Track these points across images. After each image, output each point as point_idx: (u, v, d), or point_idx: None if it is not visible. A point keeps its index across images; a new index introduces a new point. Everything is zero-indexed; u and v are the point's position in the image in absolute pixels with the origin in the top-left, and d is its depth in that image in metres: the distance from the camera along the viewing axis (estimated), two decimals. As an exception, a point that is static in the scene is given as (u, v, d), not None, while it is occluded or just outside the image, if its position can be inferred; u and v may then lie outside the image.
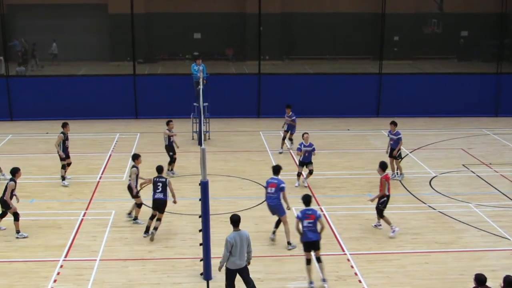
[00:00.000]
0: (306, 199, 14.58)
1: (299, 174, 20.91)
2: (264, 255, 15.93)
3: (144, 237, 16.93)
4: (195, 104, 25.82)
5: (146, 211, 17.78)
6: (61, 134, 20.94)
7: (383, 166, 17.17)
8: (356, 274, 15.03)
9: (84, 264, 15.43)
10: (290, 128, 25.15)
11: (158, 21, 38.36)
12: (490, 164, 23.81)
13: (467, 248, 16.54)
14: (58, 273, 14.93)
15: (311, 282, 14.23)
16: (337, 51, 39.23)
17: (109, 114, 30.49)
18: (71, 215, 18.50)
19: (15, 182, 17.12)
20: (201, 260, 14.66)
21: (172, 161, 21.82)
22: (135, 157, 17.81)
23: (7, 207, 16.94)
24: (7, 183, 17.02)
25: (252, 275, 14.26)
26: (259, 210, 18.91)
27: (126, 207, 18.82)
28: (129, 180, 17.60)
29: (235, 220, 13.26)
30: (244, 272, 13.33)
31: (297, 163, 21.35)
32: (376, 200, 17.21)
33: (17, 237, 16.85)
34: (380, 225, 17.56)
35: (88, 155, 24.68)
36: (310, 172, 20.71)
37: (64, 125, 21.20)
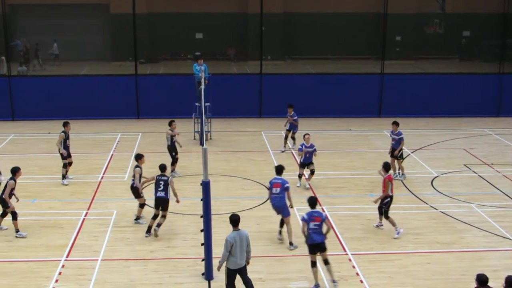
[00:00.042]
0: (312, 201, 14.48)
1: (300, 176, 20.89)
2: (265, 255, 15.93)
3: (146, 236, 16.94)
4: (197, 104, 25.80)
5: (149, 211, 17.79)
6: (62, 133, 21.02)
7: (386, 166, 17.16)
8: (357, 274, 15.02)
9: (86, 264, 15.43)
10: (292, 128, 25.20)
11: (160, 21, 38.42)
12: (492, 164, 23.79)
13: (469, 248, 16.53)
14: (60, 273, 14.94)
15: (317, 285, 14.21)
16: (339, 51, 39.25)
17: (111, 114, 30.49)
18: (73, 215, 18.51)
19: (15, 181, 17.14)
20: (202, 260, 14.64)
21: (174, 161, 21.82)
22: (138, 157, 17.81)
23: (5, 205, 16.95)
24: (7, 182, 17.04)
25: (253, 275, 14.27)
26: (261, 210, 18.91)
27: (128, 207, 18.84)
28: (132, 180, 17.61)
29: (234, 220, 13.26)
30: (243, 272, 13.34)
31: (298, 163, 21.32)
32: (379, 201, 17.17)
33: (16, 236, 16.87)
34: (382, 225, 17.54)
35: (90, 155, 24.69)
36: (312, 172, 20.69)
37: (65, 124, 21.27)
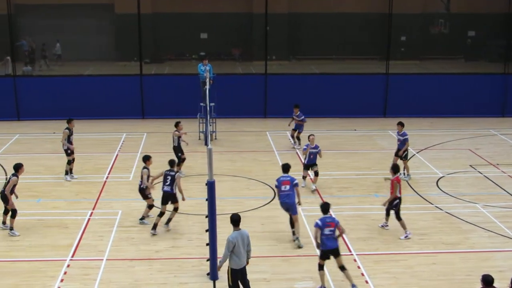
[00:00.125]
0: (325, 207, 14.37)
1: (304, 177, 20.85)
2: (270, 255, 15.92)
3: (152, 233, 17.01)
4: (201, 104, 25.81)
5: (156, 211, 17.78)
6: (66, 130, 21.33)
7: (394, 168, 17.13)
8: (363, 274, 15.01)
9: (91, 263, 15.45)
10: (298, 127, 25.25)
11: (165, 21, 38.41)
12: (498, 164, 23.74)
13: (474, 248, 16.50)
14: (65, 273, 14.96)
15: (323, 287, 14.19)
16: (344, 51, 39.15)
17: (115, 114, 30.52)
18: (78, 214, 18.53)
19: (18, 178, 17.15)
20: (207, 260, 14.66)
21: (180, 161, 21.83)
22: (146, 159, 17.81)
23: (6, 201, 16.94)
24: (10, 178, 17.07)
25: (258, 275, 14.30)
26: (266, 210, 18.90)
27: (133, 207, 18.87)
28: (140, 181, 17.61)
29: (235, 220, 13.25)
30: (244, 273, 13.33)
31: (303, 161, 21.26)
32: (387, 203, 17.11)
33: (9, 234, 16.89)
34: (387, 225, 17.51)
35: (95, 155, 24.72)
36: (316, 174, 20.59)
37: (69, 121, 21.57)
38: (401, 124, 21.62)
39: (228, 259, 13.13)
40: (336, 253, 14.12)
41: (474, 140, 27.29)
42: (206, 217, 14.39)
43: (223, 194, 19.73)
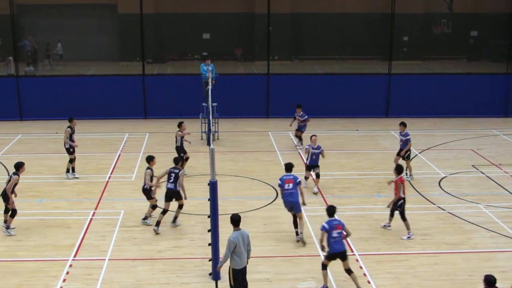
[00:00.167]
0: (331, 211, 14.31)
1: (306, 178, 20.83)
2: (273, 255, 15.92)
3: (154, 229, 17.11)
4: (204, 104, 25.83)
5: (158, 210, 17.82)
6: (68, 128, 21.50)
7: (398, 169, 17.12)
8: (365, 274, 15.00)
9: (93, 263, 15.46)
10: (301, 127, 25.29)
11: (167, 21, 38.50)
12: (500, 164, 23.71)
13: (477, 249, 16.48)
14: (68, 273, 14.97)
15: (326, 287, 14.18)
16: (346, 51, 39.22)
17: (118, 114, 30.55)
18: (80, 214, 18.55)
19: (19, 176, 17.16)
20: (210, 260, 14.65)
21: (184, 160, 21.81)
22: (150, 159, 17.81)
23: (7, 200, 16.94)
24: (11, 176, 17.07)
25: (260, 275, 14.30)
26: (268, 210, 18.91)
27: (135, 207, 18.89)
28: (144, 182, 17.61)
29: (235, 220, 13.24)
30: (244, 272, 13.33)
31: (305, 161, 21.24)
32: (392, 204, 17.09)
33: (4, 232, 16.91)
34: (390, 226, 17.50)
35: (97, 155, 24.74)
36: (317, 176, 20.52)
37: (70, 120, 21.75)
38: (403, 124, 21.61)
39: (229, 260, 13.13)
40: (343, 256, 14.07)
41: (477, 140, 27.27)
42: (208, 217, 14.39)
43: (225, 194, 19.72)
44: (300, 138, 25.50)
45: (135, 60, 33.92)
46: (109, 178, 21.95)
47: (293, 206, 16.50)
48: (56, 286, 14.34)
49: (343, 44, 38.89)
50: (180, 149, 21.69)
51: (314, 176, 20.65)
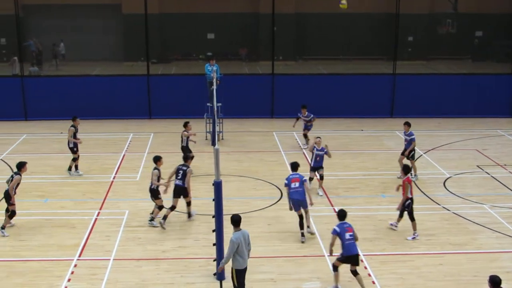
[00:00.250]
0: (342, 214, 14.28)
1: (311, 179, 20.79)
2: (277, 255, 15.92)
3: (161, 223, 17.29)
4: (208, 104, 25.84)
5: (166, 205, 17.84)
6: (72, 127, 21.69)
7: (405, 169, 17.10)
8: (369, 275, 14.98)
9: (98, 263, 15.48)
10: (307, 126, 25.32)
11: (172, 22, 38.48)
12: (505, 165, 23.66)
13: (482, 249, 16.45)
14: (72, 272, 14.99)
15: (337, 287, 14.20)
16: (351, 51, 39.15)
17: (123, 114, 30.57)
18: (85, 214, 18.57)
19: (21, 176, 17.18)
20: (214, 260, 14.67)
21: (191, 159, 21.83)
22: (157, 159, 17.81)
23: (9, 200, 16.93)
24: (13, 176, 17.08)
25: (265, 276, 14.30)
26: (272, 210, 18.90)
27: (140, 207, 18.90)
28: (151, 182, 17.61)
29: (236, 220, 13.24)
30: (245, 272, 13.35)
31: (309, 162, 21.19)
32: (401, 205, 17.03)
33: None
34: (397, 226, 17.44)
35: (102, 155, 24.77)
36: (321, 177, 20.47)
37: (74, 119, 21.94)
38: (407, 124, 21.60)
39: (230, 260, 13.13)
40: (356, 260, 13.98)
41: (482, 141, 27.22)
42: (213, 217, 14.41)
43: (229, 194, 19.73)
44: (305, 136, 25.46)
45: (140, 60, 33.95)
46: (113, 178, 21.97)
47: (301, 204, 16.57)
48: (61, 286, 14.36)
49: (348, 44, 38.83)
50: (185, 149, 21.72)
51: (318, 177, 20.65)
